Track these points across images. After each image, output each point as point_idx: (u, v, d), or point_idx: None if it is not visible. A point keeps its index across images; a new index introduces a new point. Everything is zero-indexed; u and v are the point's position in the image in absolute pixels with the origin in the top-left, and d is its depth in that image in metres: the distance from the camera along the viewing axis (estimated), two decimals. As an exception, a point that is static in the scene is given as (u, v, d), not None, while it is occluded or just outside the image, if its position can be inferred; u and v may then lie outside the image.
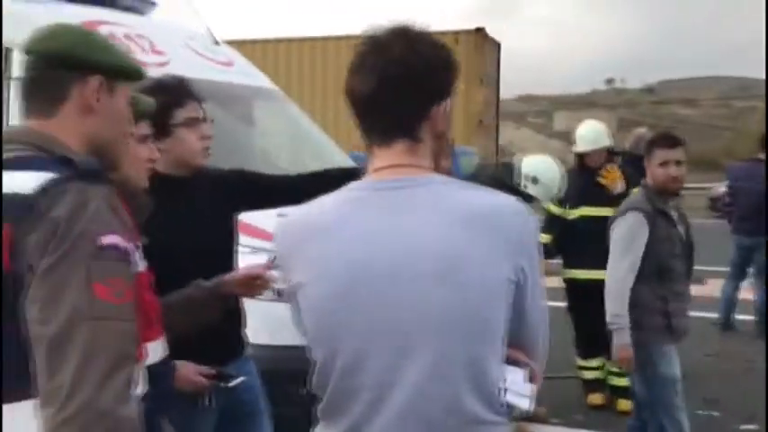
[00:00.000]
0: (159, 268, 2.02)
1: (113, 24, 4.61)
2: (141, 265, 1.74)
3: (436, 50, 1.37)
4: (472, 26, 12.60)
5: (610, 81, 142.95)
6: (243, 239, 3.41)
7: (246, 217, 3.51)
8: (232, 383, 2.30)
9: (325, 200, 1.41)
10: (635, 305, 3.44)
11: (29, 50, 1.48)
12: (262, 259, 3.93)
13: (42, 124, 1.44)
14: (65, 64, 1.45)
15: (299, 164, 5.69)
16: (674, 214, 3.58)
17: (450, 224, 1.30)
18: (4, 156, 1.39)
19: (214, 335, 2.35)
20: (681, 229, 3.58)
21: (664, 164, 3.47)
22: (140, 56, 4.48)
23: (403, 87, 1.34)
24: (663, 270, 3.48)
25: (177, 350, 2.04)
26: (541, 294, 1.46)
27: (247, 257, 3.44)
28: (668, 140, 3.57)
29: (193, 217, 2.37)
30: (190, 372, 2.22)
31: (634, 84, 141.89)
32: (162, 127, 2.31)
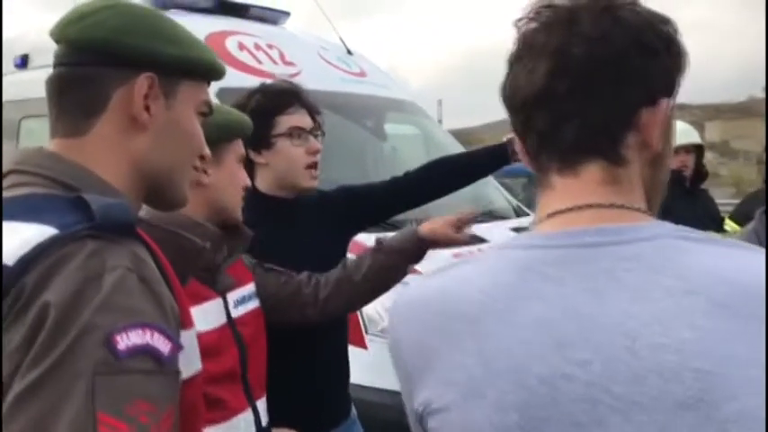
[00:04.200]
0: None
1: (243, 34, 4.47)
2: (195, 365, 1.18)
3: (652, 23, 0.84)
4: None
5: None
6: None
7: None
8: None
9: (467, 267, 0.89)
10: None
11: (56, 37, 1.03)
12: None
13: (69, 145, 1.00)
14: (102, 56, 1.00)
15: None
16: None
17: (698, 313, 0.75)
18: (9, 193, 0.95)
19: (318, 395, 2.02)
20: None
21: None
22: (270, 67, 4.31)
23: (595, 76, 0.83)
24: None
25: (277, 414, 1.72)
26: None
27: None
28: None
29: (297, 244, 2.02)
30: None
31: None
32: (261, 137, 1.96)
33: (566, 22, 0.83)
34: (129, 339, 0.81)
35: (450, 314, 0.83)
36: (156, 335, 0.84)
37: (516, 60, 0.87)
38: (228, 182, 1.60)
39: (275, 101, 2.00)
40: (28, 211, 0.89)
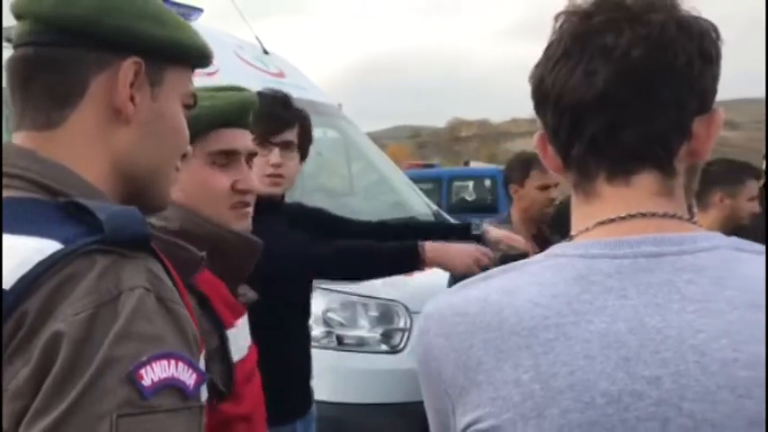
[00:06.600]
0: None
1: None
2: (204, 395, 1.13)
3: (708, 30, 0.82)
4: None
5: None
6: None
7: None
8: None
9: (510, 276, 0.83)
10: None
11: (20, 11, 0.88)
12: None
13: (40, 139, 0.85)
14: (78, 37, 0.86)
15: (356, 186, 5.25)
16: None
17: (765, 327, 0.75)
18: None
19: (284, 388, 2.07)
20: None
21: None
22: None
23: (660, 82, 0.80)
24: None
25: None
26: None
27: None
28: None
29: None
30: None
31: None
32: None
33: (627, 22, 0.80)
34: (153, 373, 0.70)
35: (499, 327, 0.78)
36: (181, 365, 0.73)
37: (565, 57, 0.82)
38: (195, 192, 1.37)
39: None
40: (17, 220, 0.75)
